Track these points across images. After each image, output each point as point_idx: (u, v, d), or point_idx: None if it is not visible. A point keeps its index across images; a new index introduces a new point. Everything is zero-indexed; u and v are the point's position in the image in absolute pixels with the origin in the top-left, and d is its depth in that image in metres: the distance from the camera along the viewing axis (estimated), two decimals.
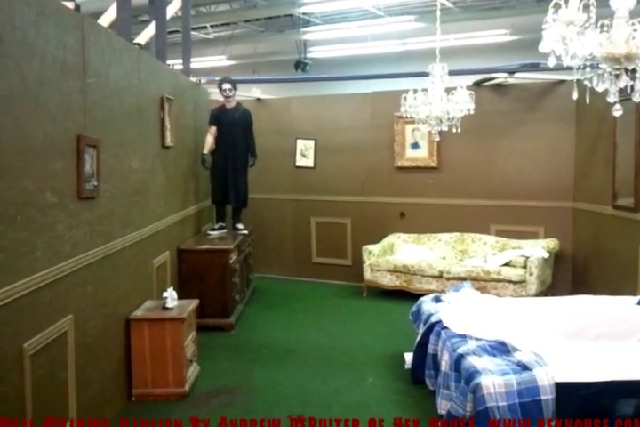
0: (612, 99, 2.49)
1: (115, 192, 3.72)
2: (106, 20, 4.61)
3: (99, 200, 3.45)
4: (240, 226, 6.49)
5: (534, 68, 6.00)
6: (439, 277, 6.28)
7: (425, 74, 5.17)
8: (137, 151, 4.21)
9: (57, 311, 2.93)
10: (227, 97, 6.24)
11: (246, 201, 6.48)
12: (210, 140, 6.23)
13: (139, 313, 4.03)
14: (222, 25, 11.45)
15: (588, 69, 2.50)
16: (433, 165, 6.99)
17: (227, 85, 6.21)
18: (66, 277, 3.02)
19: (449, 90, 5.07)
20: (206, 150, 6.18)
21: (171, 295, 4.17)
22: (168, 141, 4.98)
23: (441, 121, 5.18)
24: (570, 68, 2.58)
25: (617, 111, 2.51)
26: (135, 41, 4.90)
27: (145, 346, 3.95)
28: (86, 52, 3.29)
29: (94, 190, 3.36)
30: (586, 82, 2.55)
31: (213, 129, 6.25)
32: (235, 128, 6.24)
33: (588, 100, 2.55)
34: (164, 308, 4.11)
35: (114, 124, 3.74)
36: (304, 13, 10.63)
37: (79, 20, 3.25)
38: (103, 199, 3.52)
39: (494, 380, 3.02)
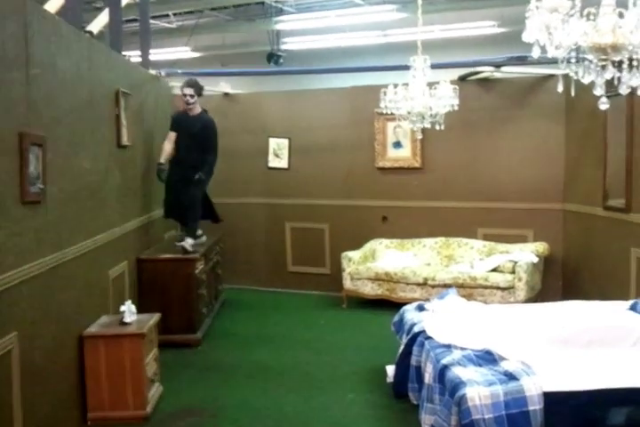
0: (598, 92, 2.53)
1: (64, 196, 3.68)
2: (53, 5, 4.56)
3: (45, 205, 3.41)
4: (188, 240, 5.74)
5: (522, 61, 6.08)
6: (424, 284, 6.33)
7: (406, 67, 5.21)
8: (89, 151, 4.18)
9: None
10: (187, 104, 5.84)
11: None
12: (168, 148, 5.85)
13: (93, 329, 3.99)
14: (186, 13, 11.35)
15: (573, 60, 2.53)
16: (416, 165, 7.05)
17: (188, 90, 5.78)
18: (9, 289, 2.97)
19: (432, 84, 5.12)
20: (163, 159, 5.78)
21: (129, 309, 4.14)
22: (124, 140, 4.95)
23: (423, 117, 5.25)
24: (556, 62, 2.61)
25: (603, 105, 2.55)
26: (87, 29, 4.86)
27: (101, 365, 3.90)
28: (30, 40, 3.25)
29: (40, 194, 3.32)
30: (571, 74, 2.58)
31: (173, 135, 5.90)
32: (190, 140, 5.82)
33: (573, 93, 2.59)
34: (122, 323, 4.08)
35: (62, 121, 3.70)
36: (276, 1, 10.63)
37: (21, 3, 3.20)
38: (51, 204, 3.48)
39: (480, 391, 3.05)
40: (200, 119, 5.91)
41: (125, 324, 4.07)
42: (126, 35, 6.19)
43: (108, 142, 4.66)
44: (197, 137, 5.83)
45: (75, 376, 3.82)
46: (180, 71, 6.94)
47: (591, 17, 2.48)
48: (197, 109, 5.93)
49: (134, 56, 6.57)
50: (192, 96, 5.80)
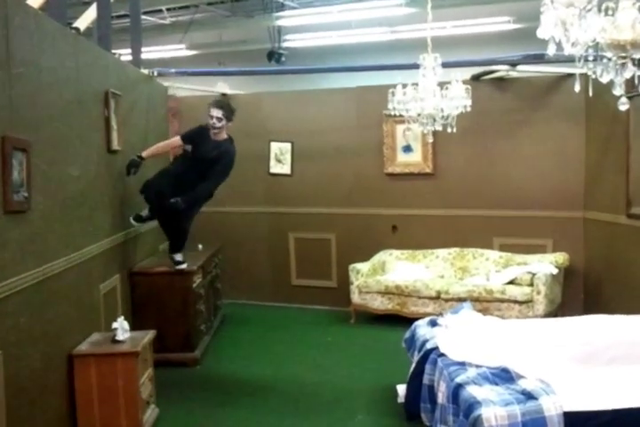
0: (617, 91, 2.54)
1: (50, 205, 3.71)
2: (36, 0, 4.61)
3: (30, 214, 3.43)
4: (178, 258, 5.57)
5: (539, 59, 6.08)
6: (437, 298, 6.34)
7: (416, 66, 5.25)
8: (77, 156, 4.20)
9: None
10: (213, 127, 5.33)
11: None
12: (161, 149, 5.60)
13: (83, 348, 4.00)
14: (181, 8, 11.42)
15: (590, 58, 2.55)
16: (428, 170, 7.07)
17: (216, 112, 5.28)
18: None
19: (443, 84, 5.15)
20: (146, 154, 5.39)
21: (121, 326, 4.15)
22: (115, 144, 4.98)
23: (434, 119, 5.28)
24: (573, 61, 2.63)
25: (623, 105, 2.56)
26: (73, 25, 4.90)
27: (92, 386, 3.90)
28: (11, 38, 3.27)
29: (24, 203, 3.34)
30: (589, 73, 2.60)
31: (178, 142, 5.57)
32: (198, 162, 5.38)
33: (591, 93, 2.61)
34: (114, 341, 4.09)
35: (48, 124, 3.73)
36: None
37: None
38: (36, 213, 3.50)
39: (496, 411, 3.07)
40: (219, 147, 5.39)
41: (118, 342, 4.08)
42: (116, 31, 6.21)
43: (98, 147, 4.69)
44: (206, 163, 5.34)
45: (64, 398, 3.83)
46: (173, 71, 6.94)
47: (609, 12, 2.49)
48: (223, 136, 5.44)
49: (125, 54, 6.60)
50: (220, 120, 5.30)
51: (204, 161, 5.35)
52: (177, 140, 5.60)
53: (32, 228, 3.46)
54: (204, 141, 5.39)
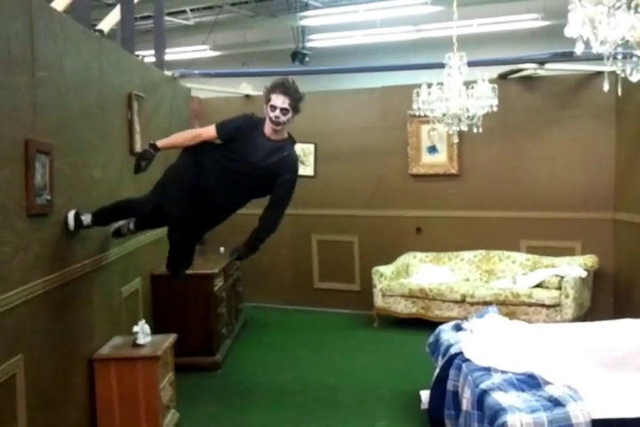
0: None
1: (72, 208, 3.73)
2: (60, 2, 4.65)
3: (53, 217, 3.47)
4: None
5: (568, 57, 6.02)
6: (462, 301, 6.33)
7: (441, 65, 5.25)
8: (100, 159, 4.24)
9: (3, 350, 2.92)
10: (276, 123, 3.73)
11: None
12: (187, 140, 3.92)
13: (104, 351, 4.03)
14: (204, 9, 11.50)
15: (619, 57, 2.53)
16: (453, 171, 7.05)
17: (281, 100, 3.69)
18: (14, 309, 3.01)
19: (469, 84, 5.14)
20: (162, 144, 3.92)
21: (142, 330, 4.17)
22: (138, 147, 5.00)
23: (460, 120, 5.31)
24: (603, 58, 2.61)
25: None
26: (97, 28, 4.95)
27: (112, 390, 3.93)
28: (35, 41, 3.31)
29: (47, 206, 3.37)
30: (618, 71, 2.58)
31: (211, 133, 3.84)
32: (247, 177, 3.78)
33: (620, 92, 2.59)
34: (135, 345, 4.11)
35: (71, 127, 3.77)
36: None
37: (26, 2, 3.26)
38: (58, 216, 3.54)
39: (522, 418, 3.06)
40: (280, 151, 3.79)
41: (139, 346, 4.10)
42: (139, 33, 6.25)
43: (120, 150, 4.72)
44: (256, 172, 3.77)
45: (85, 402, 3.86)
46: (197, 72, 6.99)
47: (639, 9, 2.47)
48: (284, 134, 3.85)
49: (148, 56, 6.65)
50: (285, 112, 3.70)
51: (252, 167, 3.77)
52: (211, 130, 3.86)
53: (54, 231, 3.50)
54: (253, 140, 3.80)
